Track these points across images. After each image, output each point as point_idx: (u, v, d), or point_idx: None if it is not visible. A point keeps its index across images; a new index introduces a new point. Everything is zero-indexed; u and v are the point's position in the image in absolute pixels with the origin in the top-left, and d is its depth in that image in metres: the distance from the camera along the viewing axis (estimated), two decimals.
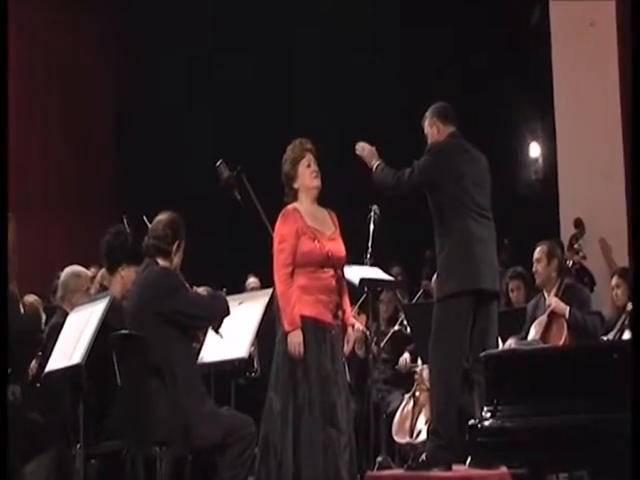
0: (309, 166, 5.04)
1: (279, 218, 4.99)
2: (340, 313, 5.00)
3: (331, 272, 4.96)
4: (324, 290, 4.93)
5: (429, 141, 5.64)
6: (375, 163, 5.62)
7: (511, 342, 5.96)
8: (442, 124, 5.60)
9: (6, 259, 4.92)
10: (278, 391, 4.87)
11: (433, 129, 5.61)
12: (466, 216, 5.37)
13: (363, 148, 5.67)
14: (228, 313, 4.95)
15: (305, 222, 4.97)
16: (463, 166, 5.46)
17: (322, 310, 4.91)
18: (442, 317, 5.35)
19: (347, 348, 5.05)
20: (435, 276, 5.75)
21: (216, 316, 4.93)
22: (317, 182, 5.06)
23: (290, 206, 5.03)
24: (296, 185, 5.05)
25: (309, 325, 4.87)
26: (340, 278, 5.03)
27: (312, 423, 4.78)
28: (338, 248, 5.02)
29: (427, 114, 5.67)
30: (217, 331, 4.97)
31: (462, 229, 5.36)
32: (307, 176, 5.04)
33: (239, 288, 7.97)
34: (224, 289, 5.71)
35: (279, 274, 4.92)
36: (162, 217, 4.95)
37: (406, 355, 7.06)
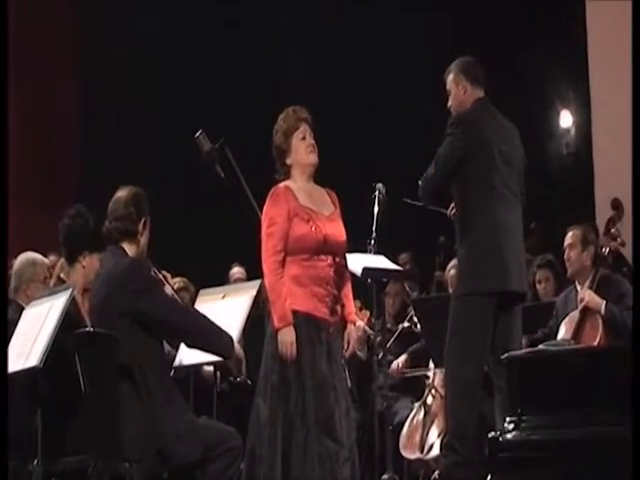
0: (304, 139, 5.03)
1: (268, 198, 4.98)
2: (339, 308, 4.99)
3: (329, 260, 4.95)
4: (320, 281, 4.92)
5: (451, 102, 5.58)
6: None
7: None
8: (470, 85, 5.54)
9: (6, 259, 4.92)
10: (266, 398, 4.88)
11: (459, 89, 5.54)
12: (493, 200, 5.35)
13: None
14: (224, 348, 4.83)
15: (298, 202, 4.96)
16: (493, 141, 5.42)
17: (317, 304, 4.91)
18: (461, 316, 5.35)
19: (348, 349, 5.05)
20: (454, 268, 5.74)
21: (195, 332, 4.82)
22: (313, 158, 5.04)
23: (281, 184, 5.02)
24: (289, 160, 5.04)
25: (302, 322, 4.87)
26: (340, 267, 5.02)
27: (306, 434, 4.78)
28: (337, 231, 5.01)
29: (453, 68, 5.59)
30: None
31: (489, 216, 5.34)
32: (302, 150, 5.03)
33: (222, 279, 7.99)
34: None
35: (268, 262, 4.90)
36: (121, 194, 4.89)
37: (401, 358, 7.05)
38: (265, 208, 4.98)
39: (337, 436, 4.83)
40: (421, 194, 5.56)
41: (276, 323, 4.85)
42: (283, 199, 4.95)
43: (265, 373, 4.92)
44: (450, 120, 5.52)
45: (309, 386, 4.84)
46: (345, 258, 5.08)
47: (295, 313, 4.87)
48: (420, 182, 5.53)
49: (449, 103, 5.61)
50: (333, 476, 4.79)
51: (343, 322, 5.03)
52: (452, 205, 5.63)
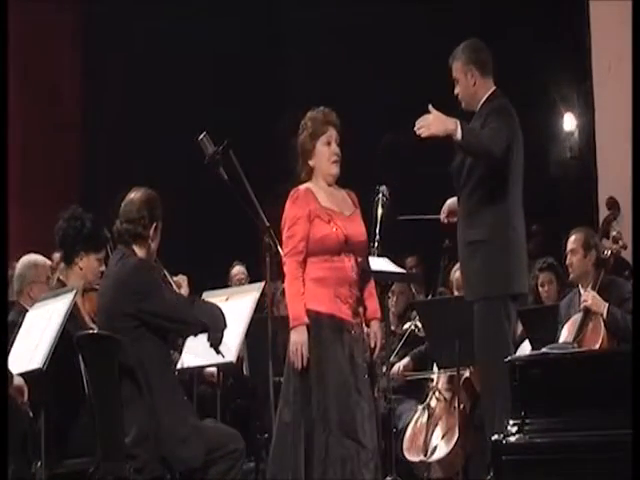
0: (329, 144, 5.03)
1: (289, 199, 5.00)
2: (361, 309, 4.99)
3: (351, 260, 4.95)
4: (342, 282, 4.93)
5: (460, 92, 5.39)
6: (457, 126, 5.06)
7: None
8: (480, 74, 5.35)
9: (6, 259, 4.92)
10: (289, 401, 4.87)
11: (468, 78, 5.34)
12: (506, 199, 5.28)
13: (427, 123, 5.06)
14: (222, 324, 4.87)
15: (319, 203, 4.98)
16: (518, 134, 5.32)
17: (340, 306, 4.92)
18: (482, 320, 5.33)
19: (377, 349, 5.03)
20: (465, 271, 5.67)
21: (200, 323, 4.85)
22: (335, 169, 5.06)
23: (302, 186, 5.04)
24: (312, 162, 5.06)
25: (325, 324, 4.88)
26: (362, 267, 5.01)
27: (327, 436, 4.78)
28: (358, 231, 5.02)
29: (460, 55, 5.37)
30: (217, 350, 4.91)
31: (502, 215, 5.29)
32: (325, 157, 5.03)
33: (223, 278, 8.04)
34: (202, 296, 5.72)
35: (288, 263, 4.92)
36: (135, 195, 4.90)
37: (404, 361, 7.04)
38: (286, 210, 4.99)
39: (360, 438, 4.82)
40: (494, 159, 5.16)
41: (290, 322, 4.86)
42: (304, 201, 4.97)
43: (287, 376, 4.92)
44: (498, 105, 5.30)
45: (331, 388, 4.83)
46: (367, 258, 5.08)
47: (318, 314, 4.88)
48: (494, 139, 5.16)
49: (456, 91, 5.43)
50: (354, 478, 4.78)
51: (366, 323, 5.01)
52: (444, 212, 5.54)
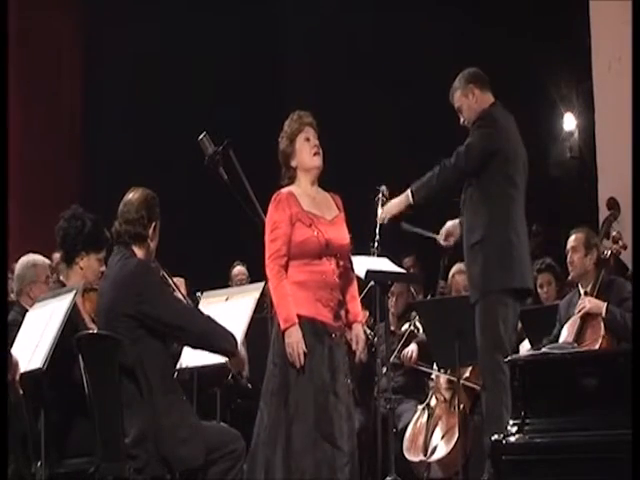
0: (308, 140, 5.06)
1: (271, 203, 5.02)
2: (343, 313, 5.01)
3: (332, 264, 4.97)
4: (324, 285, 4.95)
5: (465, 114, 5.63)
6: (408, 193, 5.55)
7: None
8: (480, 91, 5.60)
9: (6, 259, 4.92)
10: (267, 401, 4.90)
11: (469, 99, 5.60)
12: (510, 198, 5.43)
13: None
14: (226, 344, 4.82)
15: (301, 207, 4.99)
16: (512, 140, 5.51)
17: (321, 309, 4.94)
18: (488, 314, 5.36)
19: (358, 349, 5.04)
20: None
21: (199, 332, 4.80)
22: (317, 160, 5.08)
23: (284, 190, 5.05)
24: (294, 163, 5.07)
25: (306, 326, 4.89)
26: (345, 271, 5.04)
27: (304, 438, 4.80)
28: (340, 235, 5.03)
29: (457, 84, 5.64)
30: (234, 375, 4.87)
31: (506, 213, 5.42)
32: (306, 152, 5.05)
33: (223, 277, 8.04)
34: (198, 294, 5.68)
35: (271, 266, 4.94)
36: (133, 196, 4.89)
37: (413, 348, 7.06)
38: (268, 213, 5.02)
39: (336, 441, 4.83)
40: (440, 185, 5.53)
41: (282, 325, 4.88)
42: (286, 204, 4.98)
43: (267, 376, 4.95)
44: (480, 115, 5.57)
45: (308, 391, 4.86)
46: (350, 261, 5.10)
47: (298, 318, 4.88)
48: (436, 172, 5.51)
49: (462, 120, 5.68)
50: (330, 478, 4.79)
51: (348, 326, 5.05)
52: (442, 235, 5.71)
